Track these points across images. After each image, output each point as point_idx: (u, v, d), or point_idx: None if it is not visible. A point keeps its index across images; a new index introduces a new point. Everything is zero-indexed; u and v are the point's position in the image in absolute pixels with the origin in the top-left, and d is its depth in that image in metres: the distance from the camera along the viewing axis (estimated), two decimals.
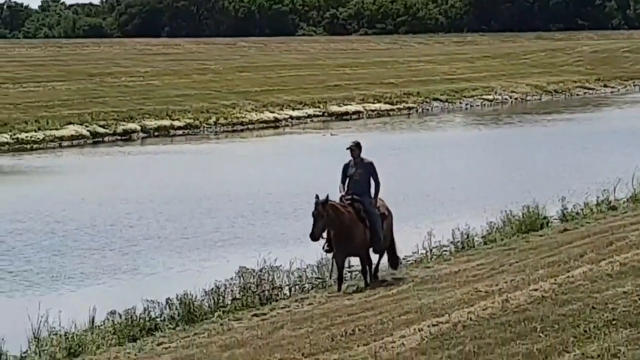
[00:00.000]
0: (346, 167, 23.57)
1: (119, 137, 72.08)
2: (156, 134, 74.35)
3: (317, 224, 22.30)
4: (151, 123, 75.61)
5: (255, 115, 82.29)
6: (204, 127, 77.74)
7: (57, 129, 70.83)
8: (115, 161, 62.23)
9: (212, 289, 23.57)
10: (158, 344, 20.23)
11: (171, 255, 31.65)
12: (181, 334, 20.80)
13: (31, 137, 68.83)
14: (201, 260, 30.57)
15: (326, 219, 22.36)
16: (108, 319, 22.01)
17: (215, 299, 23.31)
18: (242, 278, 23.99)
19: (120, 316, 21.96)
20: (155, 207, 41.31)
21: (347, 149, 23.70)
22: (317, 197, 22.45)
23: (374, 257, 24.23)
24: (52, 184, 51.35)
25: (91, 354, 19.85)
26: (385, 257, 24.64)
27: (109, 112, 76.92)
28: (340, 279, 23.50)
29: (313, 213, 22.43)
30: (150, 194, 44.80)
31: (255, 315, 21.88)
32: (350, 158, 23.66)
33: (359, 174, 23.34)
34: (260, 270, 24.24)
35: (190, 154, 65.25)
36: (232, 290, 23.74)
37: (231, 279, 24.00)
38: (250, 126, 79.35)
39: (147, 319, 22.01)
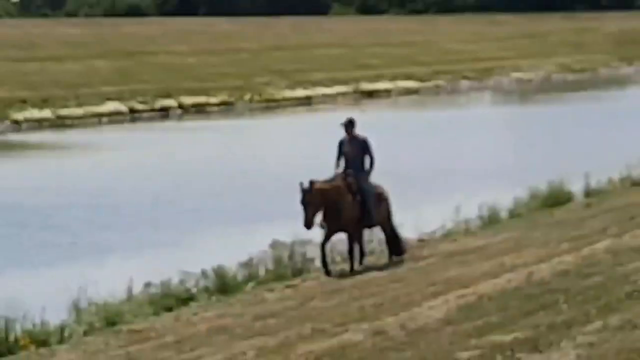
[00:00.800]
0: (341, 144, 22.85)
1: (156, 114, 72.12)
2: (192, 110, 74.38)
3: (307, 212, 21.55)
4: (188, 100, 75.67)
5: (289, 92, 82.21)
6: (238, 103, 77.75)
7: (96, 106, 70.98)
8: (153, 137, 62.30)
9: (246, 261, 23.59)
10: (193, 314, 20.27)
11: (207, 229, 31.73)
12: (216, 305, 20.84)
13: (71, 113, 69.02)
14: (236, 233, 30.62)
15: (315, 205, 21.58)
16: (145, 290, 22.05)
17: (249, 270, 23.34)
18: (275, 250, 24.01)
19: (156, 287, 22.00)
20: (192, 181, 41.38)
21: (341, 124, 23.07)
22: (301, 184, 21.70)
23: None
24: (92, 159, 51.47)
25: (128, 323, 19.91)
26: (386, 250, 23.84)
27: (147, 89, 76.95)
28: (350, 255, 22.59)
29: (301, 201, 21.63)
30: (187, 169, 44.88)
31: (287, 286, 21.90)
32: (345, 134, 22.93)
33: (353, 150, 22.61)
34: (293, 243, 24.24)
35: (225, 130, 65.25)
36: (265, 262, 23.77)
37: (264, 251, 24.00)
38: (283, 103, 79.32)
39: (183, 289, 22.07)
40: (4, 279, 24.85)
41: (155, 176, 43.40)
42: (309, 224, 21.63)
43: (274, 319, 17.30)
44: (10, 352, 18.44)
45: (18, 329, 18.90)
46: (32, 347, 18.70)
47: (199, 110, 74.64)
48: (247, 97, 79.18)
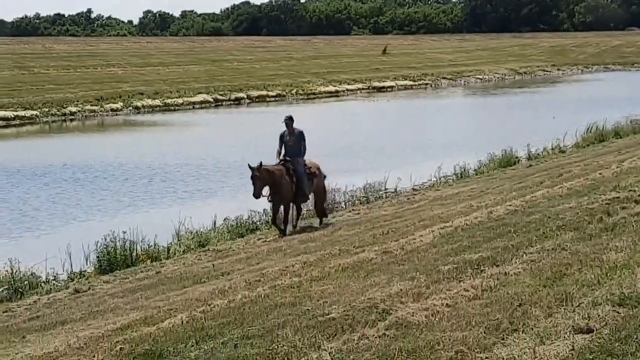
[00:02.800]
0: (282, 136, 20.96)
1: (232, 103, 72.47)
2: (257, 100, 74.66)
3: (256, 185, 19.67)
4: (254, 93, 75.97)
5: (323, 88, 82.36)
6: (288, 95, 77.94)
7: (191, 97, 71.23)
8: (230, 117, 62.62)
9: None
10: (258, 239, 20.29)
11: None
12: (273, 232, 20.83)
13: (174, 101, 69.24)
14: None
15: (262, 180, 19.79)
16: (224, 222, 22.05)
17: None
18: (313, 196, 23.93)
19: (232, 220, 22.00)
20: (257, 147, 41.38)
21: (282, 122, 21.08)
22: (249, 165, 19.86)
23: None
24: (189, 132, 51.61)
25: (214, 245, 19.93)
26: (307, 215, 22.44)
27: (226, 86, 77.14)
28: (285, 222, 20.78)
29: (251, 177, 19.79)
30: (254, 138, 44.95)
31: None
32: (285, 129, 21.01)
33: (292, 140, 20.82)
34: None
35: (281, 112, 65.29)
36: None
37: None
38: (319, 95, 79.46)
39: (251, 222, 22.07)
40: (130, 215, 24.92)
41: (233, 143, 43.44)
42: (257, 195, 19.79)
43: (313, 243, 17.27)
44: (133, 264, 18.49)
45: (138, 248, 18.95)
46: (148, 261, 18.76)
47: (261, 100, 74.89)
48: (294, 91, 79.42)
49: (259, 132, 49.35)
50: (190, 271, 16.16)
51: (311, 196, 21.54)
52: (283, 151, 20.91)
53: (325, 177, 21.99)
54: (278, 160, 20.77)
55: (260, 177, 19.75)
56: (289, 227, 20.82)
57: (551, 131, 36.50)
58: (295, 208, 21.30)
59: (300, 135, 20.98)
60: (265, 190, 20.08)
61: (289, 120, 21.07)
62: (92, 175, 33.05)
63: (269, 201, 20.51)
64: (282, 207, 20.75)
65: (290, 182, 20.54)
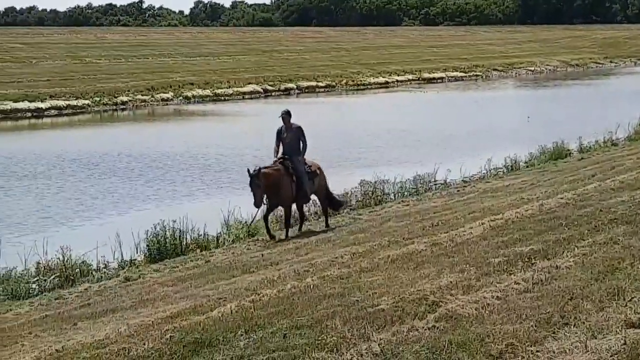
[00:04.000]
0: (279, 132, 19.51)
1: (281, 93, 72.68)
2: (306, 91, 74.77)
3: (256, 194, 18.39)
4: (303, 84, 76.11)
5: (372, 79, 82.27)
6: (338, 86, 77.92)
7: (240, 87, 71.49)
8: (280, 107, 62.49)
9: (342, 193, 23.52)
10: (306, 229, 20.28)
11: None
12: (321, 223, 20.80)
13: (224, 92, 69.52)
14: (335, 175, 30.55)
15: (263, 187, 18.47)
16: (273, 212, 22.03)
17: (345, 200, 23.27)
18: (362, 187, 23.95)
19: (281, 210, 21.95)
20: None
21: (279, 117, 19.70)
22: (248, 170, 18.53)
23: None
24: (239, 122, 51.76)
25: (263, 235, 19.95)
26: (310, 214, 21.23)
27: (275, 76, 77.30)
28: (287, 225, 19.52)
29: (250, 184, 18.49)
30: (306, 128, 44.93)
31: (371, 212, 21.83)
32: (282, 124, 19.63)
33: (290, 137, 19.32)
34: (375, 182, 24.16)
35: (331, 103, 65.37)
36: (356, 195, 23.71)
37: (355, 188, 23.95)
38: (368, 86, 79.37)
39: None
40: (181, 204, 25.04)
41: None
42: (258, 204, 18.61)
43: (362, 233, 17.24)
44: (183, 253, 18.57)
45: (188, 237, 19.02)
46: (197, 250, 18.84)
47: (310, 90, 75.00)
48: (344, 82, 79.37)
49: (310, 122, 49.40)
50: (239, 260, 16.21)
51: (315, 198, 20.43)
52: (281, 149, 19.44)
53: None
54: (275, 159, 19.35)
55: (259, 184, 18.43)
56: (291, 231, 19.59)
57: (603, 123, 36.17)
58: (298, 211, 20.01)
59: (299, 131, 19.52)
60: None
61: (286, 115, 19.67)
62: (146, 165, 33.23)
63: (265, 203, 19.09)
64: (281, 209, 19.68)
65: (290, 182, 19.14)
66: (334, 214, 21.33)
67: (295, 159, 19.28)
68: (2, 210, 25.25)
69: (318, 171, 20.02)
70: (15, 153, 37.29)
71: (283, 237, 19.08)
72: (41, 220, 23.63)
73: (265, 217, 19.24)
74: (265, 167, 18.99)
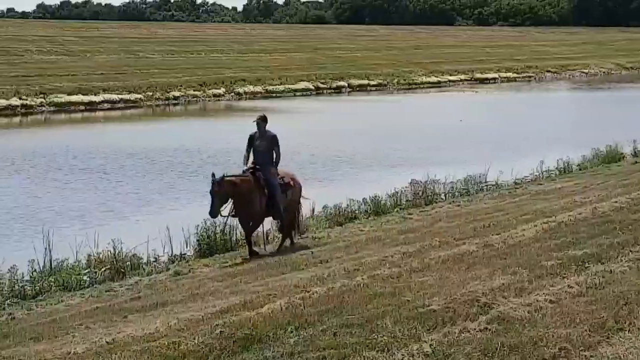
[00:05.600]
0: (251, 139, 17.80)
1: (332, 91, 72.82)
2: (357, 89, 74.84)
3: (214, 202, 16.74)
4: (355, 82, 76.22)
5: (425, 78, 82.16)
6: (389, 85, 77.86)
7: (292, 84, 71.67)
8: (331, 105, 62.71)
9: (393, 192, 23.49)
10: (356, 228, 20.25)
11: (366, 170, 31.69)
12: (371, 222, 20.77)
13: (275, 88, 69.75)
14: (386, 173, 30.50)
15: (223, 195, 16.79)
16: (323, 210, 22.06)
17: (395, 199, 23.22)
18: (412, 186, 23.85)
19: (331, 209, 21.99)
20: (357, 135, 41.38)
21: (254, 122, 17.98)
22: (213, 175, 16.94)
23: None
24: (290, 118, 51.87)
25: (312, 232, 19.95)
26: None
27: (327, 74, 77.39)
28: (249, 242, 17.64)
29: (210, 192, 16.91)
30: (355, 127, 44.95)
31: (422, 211, 21.74)
32: (256, 130, 17.92)
33: (263, 145, 17.59)
34: (425, 182, 24.06)
35: (382, 102, 65.29)
36: (406, 194, 23.62)
37: (405, 187, 23.86)
38: (420, 86, 79.24)
39: (350, 211, 22.03)
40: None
41: (331, 129, 43.49)
42: (214, 214, 16.96)
43: (413, 233, 17.17)
44: (233, 249, 18.61)
45: (238, 233, 19.03)
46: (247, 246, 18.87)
47: (362, 89, 75.07)
48: (395, 81, 79.30)
49: (362, 120, 49.33)
50: (289, 258, 16.21)
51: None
52: (251, 157, 17.77)
53: (300, 188, 18.83)
54: (245, 167, 17.71)
55: (219, 192, 16.77)
56: (283, 243, 18.38)
57: None
58: (281, 224, 18.42)
59: (273, 140, 17.74)
60: (227, 207, 17.22)
61: (261, 121, 17.94)
62: (202, 161, 33.27)
63: (232, 215, 17.56)
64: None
65: (260, 195, 17.37)
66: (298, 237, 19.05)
67: (267, 169, 17.57)
68: (59, 202, 25.51)
69: (292, 182, 18.28)
70: (72, 146, 37.64)
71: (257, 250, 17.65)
72: (98, 213, 23.82)
73: (247, 237, 17.65)
74: (233, 176, 17.42)
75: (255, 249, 17.77)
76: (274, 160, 17.75)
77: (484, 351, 7.94)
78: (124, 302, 13.61)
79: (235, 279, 14.32)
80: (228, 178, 16.98)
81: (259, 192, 17.34)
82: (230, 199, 17.08)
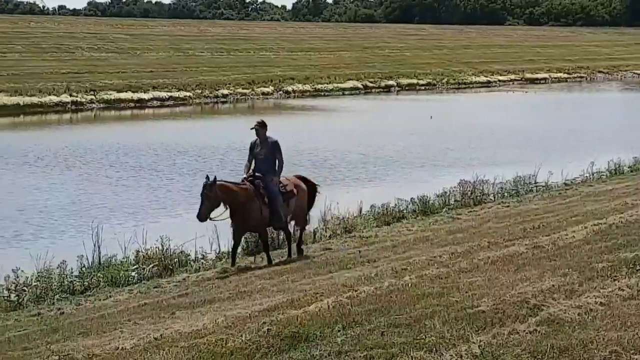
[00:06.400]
0: (252, 146, 16.88)
1: (381, 90, 72.84)
2: (406, 88, 74.75)
3: (203, 205, 15.81)
4: (403, 81, 76.20)
5: (474, 78, 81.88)
6: (439, 85, 77.67)
7: (341, 83, 71.74)
8: (380, 104, 62.65)
9: (441, 192, 23.41)
10: (404, 228, 20.19)
11: (415, 169, 31.63)
12: (419, 222, 20.70)
13: (324, 87, 69.82)
14: (435, 173, 30.41)
15: (214, 200, 15.86)
16: (371, 210, 22.03)
17: (443, 199, 23.13)
18: (461, 187, 23.74)
19: (378, 208, 21.95)
20: (407, 135, 41.27)
21: (252, 128, 16.93)
22: (207, 177, 16.04)
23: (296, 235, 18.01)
24: (339, 117, 51.89)
25: (360, 231, 19.93)
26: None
27: (376, 73, 77.41)
28: (234, 253, 16.82)
29: (201, 194, 16.01)
30: (404, 127, 44.86)
31: (470, 212, 21.63)
32: (256, 137, 16.92)
33: (264, 152, 16.70)
34: (474, 182, 23.94)
35: (431, 101, 65.10)
36: (455, 194, 23.52)
37: (454, 187, 23.76)
38: (470, 85, 78.99)
39: (397, 210, 21.98)
40: None
41: (381, 129, 43.41)
42: (201, 217, 15.86)
43: (461, 234, 17.08)
44: (280, 247, 18.63)
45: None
46: (293, 245, 18.87)
47: (411, 88, 74.98)
48: (445, 80, 79.12)
49: (410, 119, 49.22)
50: (336, 256, 16.19)
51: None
52: (253, 165, 16.90)
53: (318, 190, 18.07)
54: (245, 176, 16.80)
55: (210, 195, 15.84)
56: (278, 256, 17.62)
57: None
58: (285, 234, 17.73)
59: (274, 147, 16.80)
60: (217, 212, 16.19)
61: (260, 127, 16.92)
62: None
63: (232, 227, 16.62)
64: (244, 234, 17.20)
65: (260, 204, 16.47)
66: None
67: (268, 178, 16.63)
68: (111, 199, 25.73)
69: (295, 190, 17.24)
70: (123, 143, 37.93)
71: (265, 262, 16.78)
72: (150, 210, 24.00)
73: (234, 247, 16.83)
74: (230, 182, 16.60)
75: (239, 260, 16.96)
76: (277, 167, 16.82)
77: (533, 353, 7.87)
78: (172, 298, 13.67)
79: (282, 277, 14.33)
80: (221, 183, 16.08)
81: (259, 201, 16.43)
82: (222, 204, 16.13)
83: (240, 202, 16.18)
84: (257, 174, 16.66)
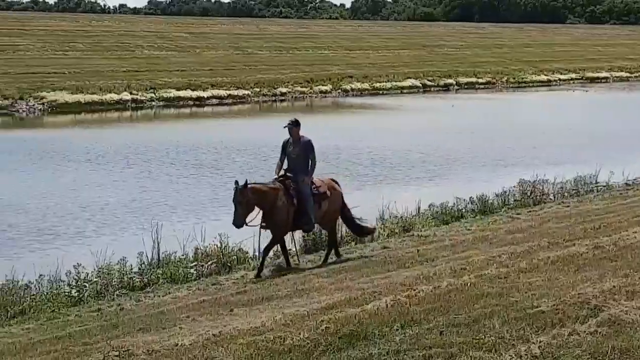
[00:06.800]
0: (285, 145, 16.47)
1: (440, 89, 72.70)
2: (465, 87, 74.44)
3: (237, 212, 15.36)
4: (462, 80, 75.89)
5: (534, 77, 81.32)
6: (498, 83, 77.28)
7: (399, 81, 71.65)
8: (439, 103, 62.43)
9: (501, 192, 23.29)
10: (463, 227, 20.10)
11: (474, 168, 31.48)
12: (478, 221, 20.61)
13: (382, 86, 69.79)
14: (494, 172, 30.24)
15: (247, 204, 15.42)
16: (429, 209, 21.97)
17: (502, 199, 23.00)
18: (521, 186, 23.59)
19: (437, 207, 21.89)
20: (466, 134, 41.06)
21: (285, 127, 16.57)
22: (236, 183, 15.56)
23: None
24: (400, 115, 51.78)
25: (418, 230, 19.88)
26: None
27: (435, 72, 77.13)
28: (285, 255, 16.62)
29: (233, 200, 15.56)
30: (464, 125, 44.59)
31: (530, 212, 21.48)
32: (289, 136, 16.55)
33: (297, 152, 16.28)
34: (534, 181, 23.77)
35: (491, 100, 64.73)
36: (514, 194, 23.38)
37: (513, 187, 23.62)
38: (530, 84, 78.48)
39: (456, 210, 21.90)
40: None
41: (440, 127, 43.25)
42: (239, 224, 15.47)
43: (520, 233, 16.96)
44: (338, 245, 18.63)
45: (343, 230, 19.04)
46: (352, 243, 18.91)
47: (470, 87, 74.71)
48: (504, 79, 78.67)
49: (471, 118, 49.00)
50: (394, 255, 16.17)
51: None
52: (285, 165, 16.45)
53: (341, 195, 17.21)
54: (276, 176, 16.35)
55: (243, 201, 15.38)
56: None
57: None
58: (274, 238, 16.53)
59: (307, 146, 16.34)
60: (254, 217, 15.77)
61: (293, 126, 16.51)
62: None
63: (262, 227, 16.09)
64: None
65: (289, 204, 16.01)
66: (361, 240, 18.60)
67: (300, 178, 16.16)
68: (172, 196, 25.95)
69: (329, 193, 16.66)
70: (182, 141, 38.21)
71: (284, 265, 16.45)
72: (212, 207, 24.15)
73: (267, 248, 16.24)
74: (260, 184, 16.25)
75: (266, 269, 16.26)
76: (309, 167, 16.33)
77: (594, 354, 7.80)
78: (230, 295, 13.76)
79: (340, 275, 14.35)
80: (252, 185, 15.66)
81: (287, 201, 15.98)
82: (256, 208, 15.74)
83: (270, 202, 15.79)
84: (288, 174, 16.26)
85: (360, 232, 17.88)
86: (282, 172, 16.30)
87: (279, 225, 16.00)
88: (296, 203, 16.01)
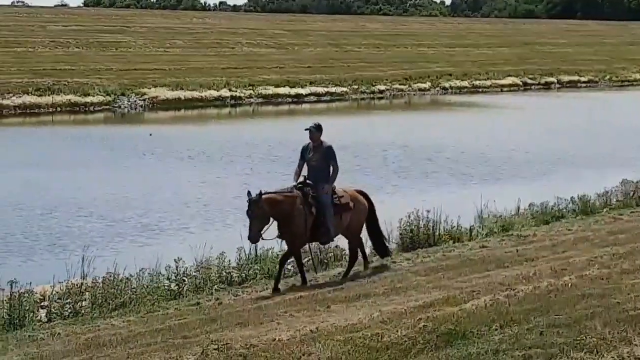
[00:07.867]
0: (304, 151, 15.34)
1: (541, 87, 71.91)
2: (567, 85, 73.53)
3: (252, 225, 14.37)
4: (564, 78, 75.04)
5: (638, 75, 79.95)
6: (601, 82, 76.16)
7: (499, 79, 71.08)
8: (540, 101, 61.79)
9: (602, 192, 22.92)
10: (563, 227, 19.83)
11: (576, 168, 31.11)
12: (579, 222, 20.29)
13: (482, 83, 69.29)
14: (596, 172, 29.75)
15: (262, 217, 14.39)
16: (529, 208, 21.72)
17: (605, 199, 22.62)
18: (623, 186, 23.18)
19: (537, 207, 21.64)
20: (569, 134, 40.55)
21: (306, 130, 15.42)
22: (248, 194, 14.42)
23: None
24: (502, 114, 51.44)
25: (518, 230, 19.68)
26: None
27: (536, 70, 76.26)
28: (300, 268, 15.35)
29: (247, 213, 14.48)
30: (567, 125, 44.05)
31: (633, 212, 20.97)
32: (309, 140, 15.39)
33: (317, 158, 15.13)
34: (638, 182, 23.35)
35: (593, 99, 63.79)
36: (616, 194, 22.97)
37: (615, 187, 23.22)
38: (634, 83, 77.19)
39: (556, 209, 21.62)
40: (433, 195, 25.03)
41: (544, 126, 42.77)
42: (254, 239, 14.63)
43: (623, 234, 16.68)
44: (435, 243, 18.57)
45: (441, 228, 18.99)
46: (450, 242, 18.82)
47: (571, 85, 73.73)
48: (607, 77, 77.45)
49: (577, 118, 48.36)
50: (493, 255, 16.04)
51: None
52: (305, 171, 15.34)
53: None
54: (295, 183, 15.23)
55: (258, 213, 14.40)
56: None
57: None
58: (289, 250, 15.35)
59: (328, 152, 15.22)
60: (269, 229, 14.76)
61: (315, 130, 15.35)
62: (414, 157, 33.15)
63: (279, 237, 15.13)
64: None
65: (306, 214, 14.85)
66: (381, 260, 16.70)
67: (320, 186, 15.05)
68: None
69: (352, 204, 15.48)
70: (284, 138, 38.30)
71: (299, 283, 15.27)
72: None
73: (283, 258, 15.39)
74: (275, 192, 14.98)
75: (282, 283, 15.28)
76: (330, 175, 15.23)
77: None
78: (327, 292, 13.81)
79: (438, 274, 14.29)
80: (266, 196, 14.57)
81: (304, 210, 14.84)
82: (272, 219, 14.70)
83: (286, 212, 14.69)
84: (307, 181, 15.17)
85: (384, 252, 16.55)
86: (301, 179, 15.27)
87: (295, 235, 14.90)
88: (315, 212, 14.95)
